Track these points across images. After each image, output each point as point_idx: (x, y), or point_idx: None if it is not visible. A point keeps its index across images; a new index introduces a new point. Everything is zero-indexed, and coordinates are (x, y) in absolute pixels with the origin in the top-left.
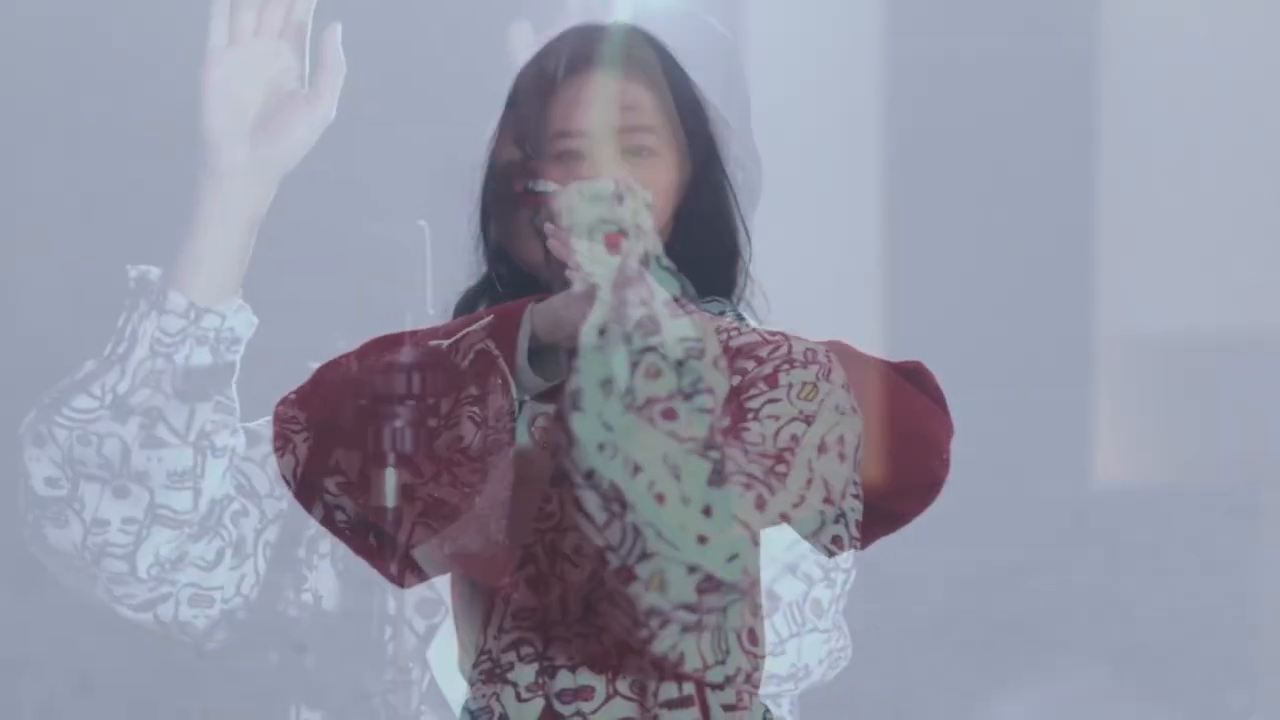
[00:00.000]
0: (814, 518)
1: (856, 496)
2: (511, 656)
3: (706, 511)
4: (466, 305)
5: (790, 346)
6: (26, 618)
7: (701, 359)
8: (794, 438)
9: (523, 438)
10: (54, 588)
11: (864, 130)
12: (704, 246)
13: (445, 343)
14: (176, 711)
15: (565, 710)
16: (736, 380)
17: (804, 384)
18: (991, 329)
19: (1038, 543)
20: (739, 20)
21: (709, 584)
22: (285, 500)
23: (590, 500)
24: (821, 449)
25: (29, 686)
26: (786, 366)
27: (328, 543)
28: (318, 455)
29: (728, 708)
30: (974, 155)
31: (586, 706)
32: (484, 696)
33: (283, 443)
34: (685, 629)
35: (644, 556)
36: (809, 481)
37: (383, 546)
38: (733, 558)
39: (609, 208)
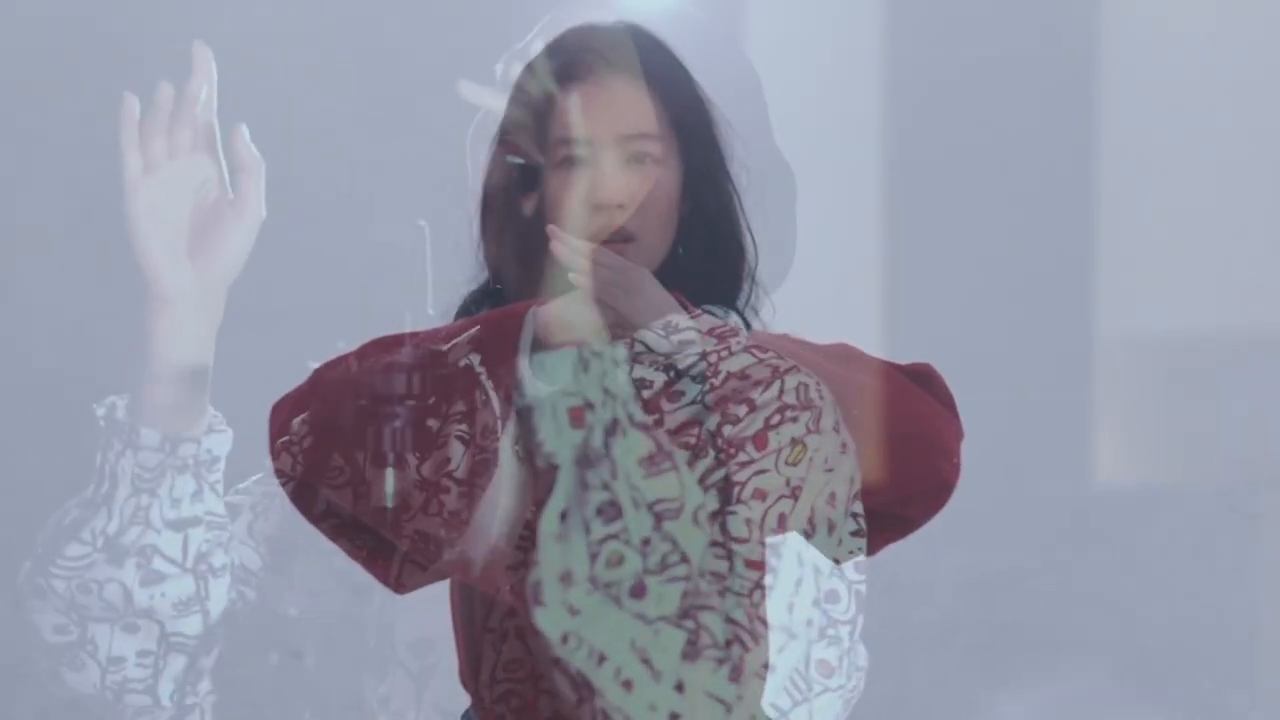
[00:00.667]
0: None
1: (856, 533)
2: (502, 709)
3: (679, 688)
4: (467, 310)
5: (782, 385)
6: (23, 628)
7: (679, 518)
8: (781, 518)
9: (508, 454)
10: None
11: (864, 131)
12: (708, 251)
13: (445, 346)
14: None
15: None
16: (727, 429)
17: (792, 442)
18: (992, 330)
19: (1039, 545)
20: (738, 21)
21: None
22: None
23: (560, 681)
24: (812, 521)
25: (26, 693)
26: (776, 419)
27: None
28: (314, 458)
29: None
30: (974, 156)
31: None
32: None
33: (280, 444)
34: None
35: None
36: (798, 581)
37: (379, 551)
38: None
39: (572, 377)
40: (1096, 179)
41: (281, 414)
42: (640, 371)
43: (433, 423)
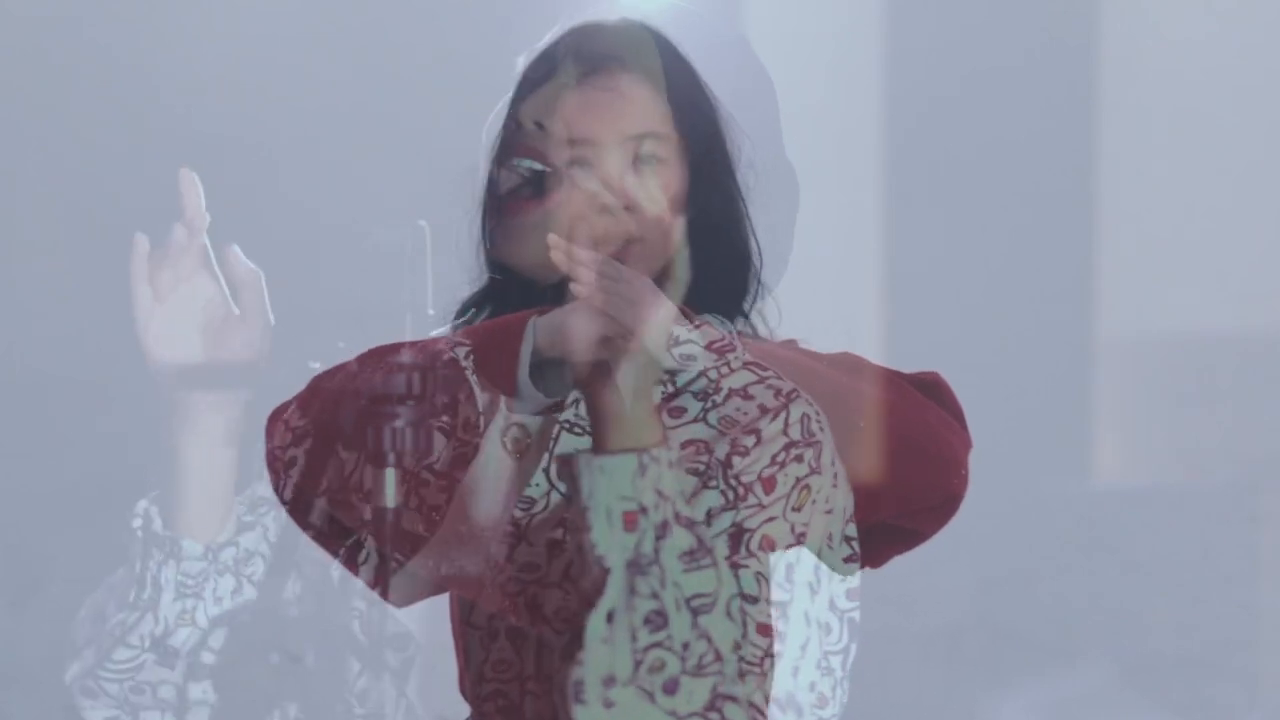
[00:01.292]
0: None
1: (849, 559)
2: (490, 707)
3: None
4: (467, 312)
5: (788, 418)
6: (19, 631)
7: (713, 611)
8: (789, 569)
9: (494, 447)
10: (46, 601)
11: (865, 131)
12: (714, 254)
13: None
14: None
15: None
16: (736, 460)
17: (797, 484)
18: (993, 331)
19: (1043, 550)
20: (737, 21)
21: None
22: None
23: None
24: (815, 568)
25: (20, 700)
26: (783, 455)
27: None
28: (309, 469)
29: None
30: (974, 156)
31: None
32: None
33: (275, 455)
34: None
35: None
36: (805, 644)
37: (374, 562)
38: None
39: (629, 483)
40: (1097, 179)
41: (278, 423)
42: None
43: (420, 419)
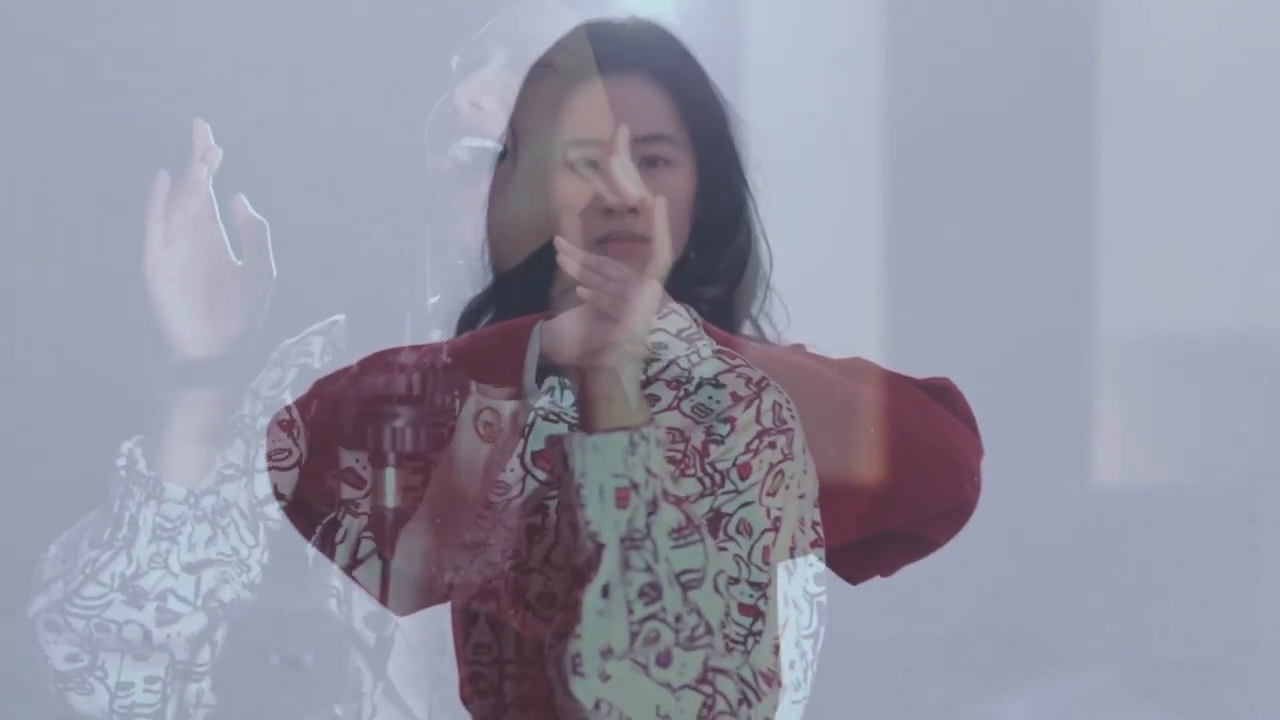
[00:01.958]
0: None
1: (815, 543)
2: (470, 690)
3: None
4: (470, 316)
5: (760, 405)
6: (12, 638)
7: (701, 586)
8: (765, 552)
9: (467, 430)
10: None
11: (864, 130)
12: (722, 256)
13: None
14: None
15: None
16: (713, 448)
17: (770, 470)
18: (996, 331)
19: (1046, 554)
20: (737, 19)
21: None
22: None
23: None
24: (791, 551)
25: (15, 707)
26: (756, 443)
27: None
28: (308, 475)
29: None
30: (974, 155)
31: None
32: None
33: (276, 461)
34: None
35: None
36: (783, 624)
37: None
38: None
39: (621, 460)
40: (1097, 179)
41: (279, 430)
42: None
43: (413, 420)
